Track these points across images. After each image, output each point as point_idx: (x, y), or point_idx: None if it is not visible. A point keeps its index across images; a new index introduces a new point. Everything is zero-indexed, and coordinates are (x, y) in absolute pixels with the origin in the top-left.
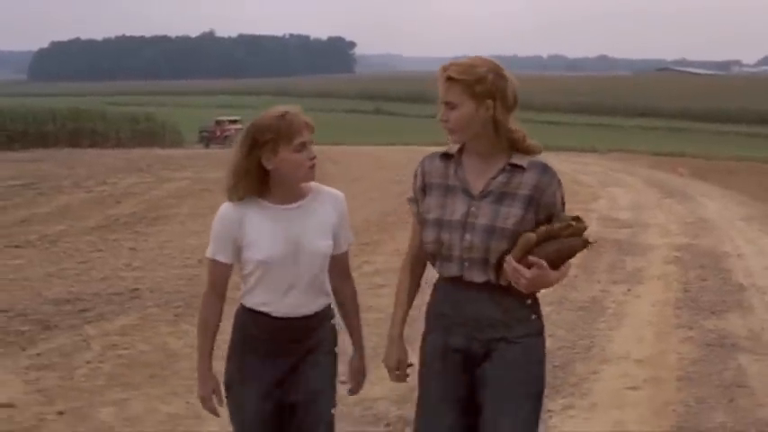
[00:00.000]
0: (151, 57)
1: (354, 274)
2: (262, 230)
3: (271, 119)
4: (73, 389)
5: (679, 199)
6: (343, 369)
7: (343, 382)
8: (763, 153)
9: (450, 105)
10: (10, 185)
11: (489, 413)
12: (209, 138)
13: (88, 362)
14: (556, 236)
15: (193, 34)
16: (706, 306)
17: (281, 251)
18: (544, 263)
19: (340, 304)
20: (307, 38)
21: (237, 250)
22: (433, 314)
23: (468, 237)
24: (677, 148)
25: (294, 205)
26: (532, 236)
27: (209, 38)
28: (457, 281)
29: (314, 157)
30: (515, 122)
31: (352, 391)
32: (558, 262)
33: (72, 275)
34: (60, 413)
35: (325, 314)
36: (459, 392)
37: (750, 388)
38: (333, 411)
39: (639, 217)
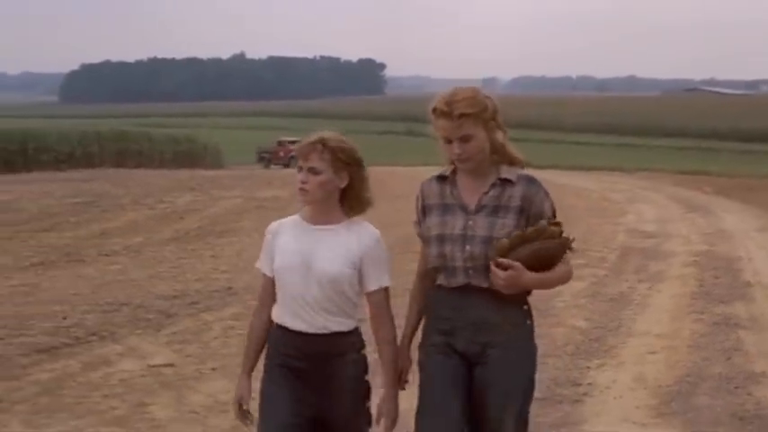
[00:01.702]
0: (182, 79)
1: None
2: (285, 243)
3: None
4: (213, 354)
5: (701, 213)
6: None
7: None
8: None
9: (465, 138)
10: (73, 203)
11: (488, 413)
12: (271, 158)
13: (215, 338)
14: (529, 240)
15: (224, 56)
16: (716, 297)
17: (291, 263)
18: (518, 264)
19: (377, 343)
20: (337, 60)
21: (273, 262)
22: (433, 318)
23: (468, 248)
24: (702, 167)
25: (323, 226)
26: (505, 241)
27: (239, 60)
28: (462, 288)
29: (303, 182)
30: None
31: None
32: (536, 264)
33: (170, 277)
34: (213, 369)
35: (351, 341)
36: (459, 384)
37: (744, 351)
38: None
39: (663, 229)
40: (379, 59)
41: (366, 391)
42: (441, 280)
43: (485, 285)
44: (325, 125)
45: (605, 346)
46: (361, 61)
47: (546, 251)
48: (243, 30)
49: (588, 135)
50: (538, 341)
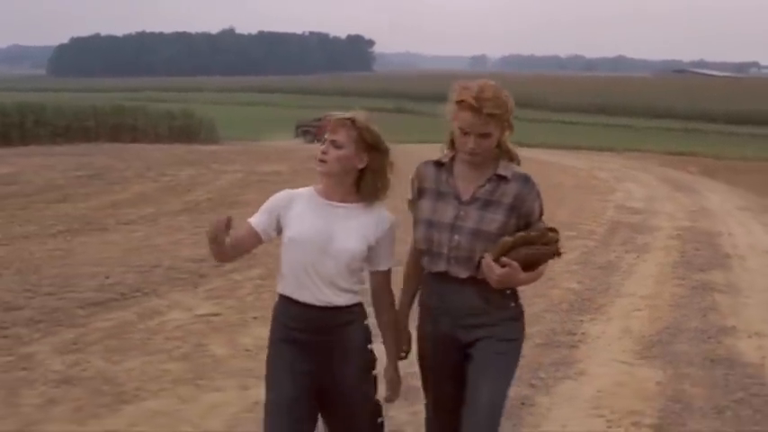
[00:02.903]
0: (171, 53)
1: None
2: (302, 214)
3: None
4: (251, 307)
5: (686, 192)
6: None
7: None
8: (766, 153)
9: (484, 135)
10: (77, 176)
11: (471, 378)
12: (316, 133)
13: (249, 293)
14: (531, 242)
15: (213, 31)
16: (697, 266)
17: (310, 236)
18: (516, 264)
19: (377, 318)
20: (326, 36)
21: (278, 226)
22: (422, 306)
23: (456, 237)
24: (689, 149)
25: (339, 204)
26: (509, 240)
27: (228, 35)
28: (443, 275)
29: (324, 152)
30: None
31: (388, 400)
32: (528, 266)
33: (191, 243)
34: (255, 318)
35: (353, 312)
36: (451, 368)
37: (719, 310)
38: (378, 399)
39: (650, 206)
40: (368, 36)
41: (371, 361)
42: (425, 263)
43: (463, 276)
44: (318, 101)
45: (596, 305)
46: (350, 37)
47: (540, 256)
48: (232, 4)
49: (576, 115)
50: (536, 300)
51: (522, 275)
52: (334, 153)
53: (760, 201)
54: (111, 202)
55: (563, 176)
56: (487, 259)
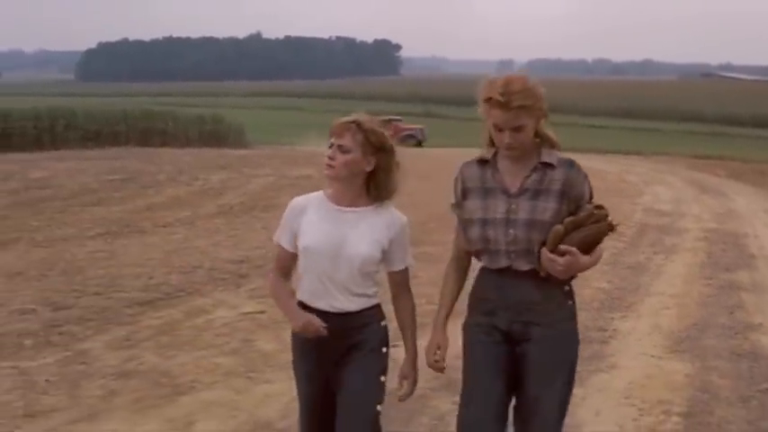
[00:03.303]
0: (198, 58)
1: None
2: (313, 222)
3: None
4: None
5: (713, 195)
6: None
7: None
8: None
9: (518, 129)
10: (110, 180)
11: (531, 390)
12: None
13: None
14: (581, 225)
15: (240, 35)
16: (723, 266)
17: (323, 244)
18: (575, 249)
19: (397, 316)
20: (353, 40)
21: (295, 238)
22: (477, 299)
23: (511, 231)
24: (717, 152)
25: (349, 209)
26: (560, 227)
27: (255, 39)
28: (504, 271)
29: (331, 157)
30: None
31: (402, 398)
32: (587, 247)
33: (230, 245)
34: None
35: (371, 315)
36: (502, 364)
37: (745, 308)
38: (378, 408)
39: (678, 209)
40: (394, 40)
41: (383, 365)
42: (484, 262)
43: (525, 269)
44: (345, 106)
45: (626, 303)
46: (376, 42)
47: (596, 234)
48: (260, 9)
49: (604, 119)
50: None
51: (585, 259)
52: (341, 158)
53: None
54: (147, 206)
55: (592, 180)
56: (545, 252)
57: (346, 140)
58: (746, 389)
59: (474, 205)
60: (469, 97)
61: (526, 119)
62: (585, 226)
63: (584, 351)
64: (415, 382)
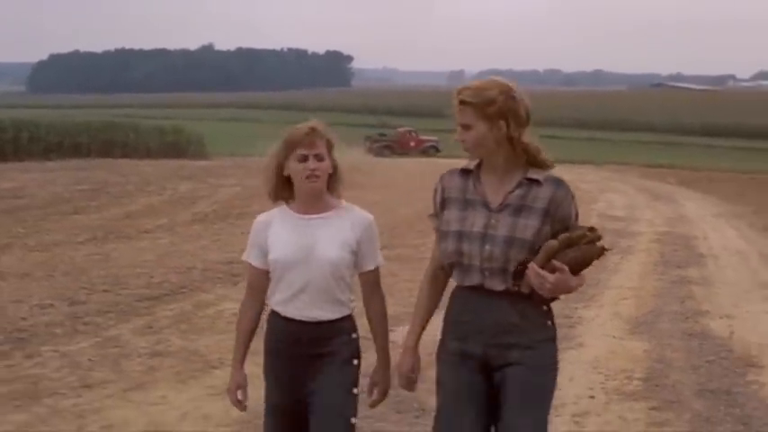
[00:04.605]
0: (150, 69)
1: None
2: (280, 235)
3: (292, 129)
4: None
5: (665, 201)
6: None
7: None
8: (744, 164)
9: (465, 127)
10: (81, 190)
11: (509, 415)
12: (394, 146)
13: None
14: (574, 243)
15: (192, 47)
16: (675, 264)
17: (292, 254)
18: (566, 268)
19: (368, 319)
20: (304, 52)
21: (265, 254)
22: (450, 322)
23: (488, 247)
24: (667, 161)
25: (314, 216)
26: (555, 243)
27: (208, 51)
28: (477, 289)
29: (314, 169)
30: (531, 137)
31: (372, 405)
32: (576, 268)
33: (216, 248)
34: None
35: (342, 326)
36: (476, 394)
37: (695, 298)
38: (353, 421)
39: (631, 214)
40: (346, 52)
41: (354, 377)
42: (455, 277)
43: (499, 288)
44: (300, 117)
45: (588, 295)
46: (328, 53)
47: (587, 256)
48: (211, 21)
49: (555, 129)
50: None
51: (573, 280)
52: (322, 167)
53: (733, 208)
54: (124, 214)
55: None
56: (534, 268)
57: (320, 148)
58: (696, 360)
59: (451, 216)
60: (421, 108)
61: (471, 118)
62: (578, 245)
63: None
64: (386, 390)
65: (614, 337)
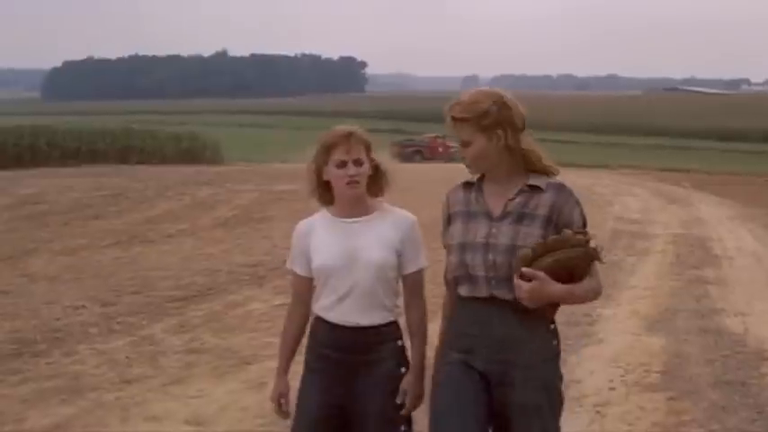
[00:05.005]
0: (163, 76)
1: None
2: (323, 240)
3: (326, 132)
4: None
5: (680, 205)
6: None
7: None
8: (758, 168)
9: (464, 143)
10: (101, 195)
11: None
12: (424, 153)
13: None
14: (554, 249)
15: (206, 54)
16: (691, 265)
17: (336, 260)
18: (541, 274)
19: (407, 319)
20: (318, 57)
21: (309, 262)
22: (454, 335)
23: (490, 256)
24: (681, 165)
25: (354, 219)
26: (528, 251)
27: (221, 57)
28: (486, 301)
29: (353, 175)
30: (532, 142)
31: (406, 413)
32: (562, 274)
33: (239, 252)
34: None
35: (388, 332)
36: (475, 408)
37: (710, 297)
38: (403, 429)
39: (647, 217)
40: (360, 57)
41: (400, 379)
42: (462, 291)
43: (509, 297)
44: (314, 123)
45: (605, 295)
46: (342, 59)
47: (570, 260)
48: (225, 27)
49: (570, 134)
50: None
51: (556, 287)
52: (361, 172)
53: (747, 210)
54: (145, 219)
55: None
56: (515, 277)
57: (359, 153)
58: (712, 354)
59: (456, 230)
60: (435, 113)
61: (468, 133)
62: (559, 250)
63: (573, 331)
64: (419, 397)
65: (632, 333)
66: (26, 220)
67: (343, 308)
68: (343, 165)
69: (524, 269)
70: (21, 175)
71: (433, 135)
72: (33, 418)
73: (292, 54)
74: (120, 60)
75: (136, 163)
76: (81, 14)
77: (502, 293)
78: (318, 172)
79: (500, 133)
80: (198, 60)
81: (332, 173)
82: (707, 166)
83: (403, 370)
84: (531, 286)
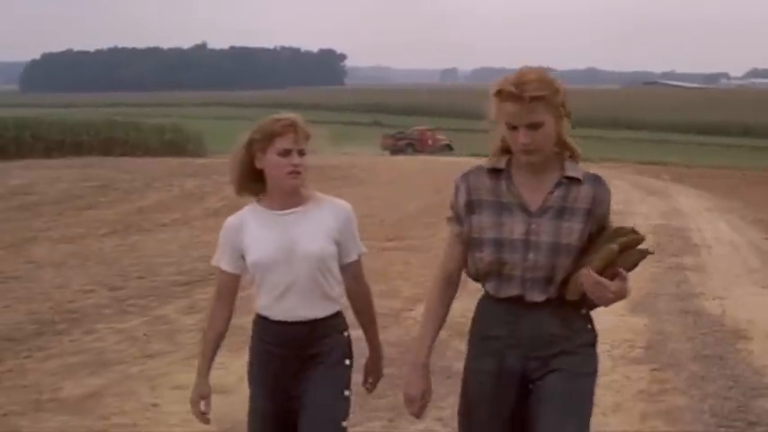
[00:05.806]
0: (143, 68)
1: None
2: (256, 235)
3: (266, 120)
4: None
5: (659, 197)
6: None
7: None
8: (736, 162)
9: (534, 126)
10: (90, 186)
11: (552, 420)
12: (416, 145)
13: None
14: (630, 247)
15: (185, 46)
16: (670, 252)
17: (272, 254)
18: (627, 274)
19: (354, 308)
20: (297, 50)
21: (241, 258)
22: (480, 338)
23: (531, 256)
24: (660, 158)
25: (289, 211)
26: (615, 247)
27: (201, 50)
28: (513, 301)
29: (297, 165)
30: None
31: (369, 391)
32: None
33: None
34: None
35: (333, 324)
36: (508, 412)
37: (689, 282)
38: (344, 425)
39: (628, 208)
40: (339, 50)
41: (346, 379)
42: (490, 288)
43: (540, 300)
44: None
45: None
46: (321, 51)
47: (637, 260)
48: (204, 20)
49: None
50: None
51: (629, 286)
52: (304, 162)
53: (725, 203)
54: (137, 209)
55: None
56: (592, 275)
57: (302, 143)
58: (692, 332)
59: (485, 222)
60: (414, 106)
61: (543, 114)
62: (633, 249)
63: None
64: (380, 375)
65: (617, 314)
66: (19, 210)
67: (285, 303)
68: (286, 153)
69: (620, 269)
70: (8, 166)
71: (423, 128)
72: (68, 387)
73: (272, 47)
74: (99, 53)
75: (120, 155)
76: (60, 6)
77: (532, 296)
78: (250, 159)
79: (562, 112)
80: (177, 53)
81: (272, 161)
82: (686, 159)
83: (347, 362)
84: (619, 285)
